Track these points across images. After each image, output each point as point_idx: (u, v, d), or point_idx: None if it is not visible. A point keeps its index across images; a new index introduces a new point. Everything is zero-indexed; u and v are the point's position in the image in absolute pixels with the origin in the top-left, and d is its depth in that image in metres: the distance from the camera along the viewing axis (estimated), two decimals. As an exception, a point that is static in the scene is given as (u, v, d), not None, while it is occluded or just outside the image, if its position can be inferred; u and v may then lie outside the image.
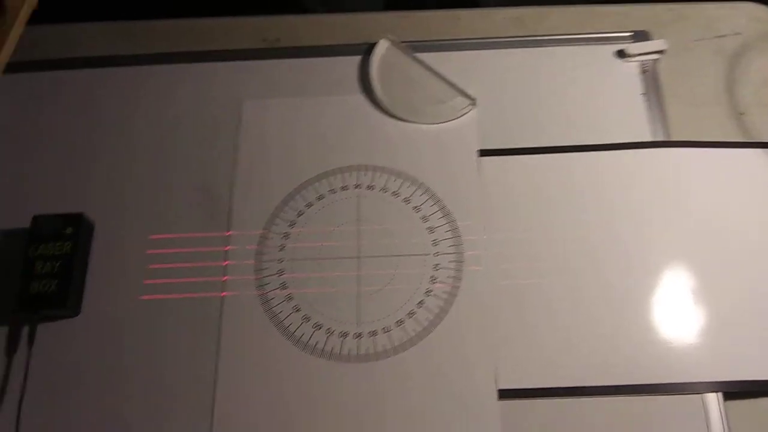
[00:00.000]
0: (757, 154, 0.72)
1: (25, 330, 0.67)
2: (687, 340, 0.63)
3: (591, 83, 0.78)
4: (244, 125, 0.77)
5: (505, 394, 0.62)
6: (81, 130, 0.77)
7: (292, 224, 0.71)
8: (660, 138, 0.74)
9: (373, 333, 0.66)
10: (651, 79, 0.77)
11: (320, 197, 0.73)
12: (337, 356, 0.65)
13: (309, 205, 0.72)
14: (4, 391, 0.64)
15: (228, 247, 0.70)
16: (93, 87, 0.80)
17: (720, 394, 0.61)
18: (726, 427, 0.60)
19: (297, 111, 0.77)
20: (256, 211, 0.72)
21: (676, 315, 0.65)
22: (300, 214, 0.72)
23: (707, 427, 0.60)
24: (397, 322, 0.66)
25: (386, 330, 0.66)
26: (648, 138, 0.74)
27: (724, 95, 0.77)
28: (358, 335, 0.66)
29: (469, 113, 0.76)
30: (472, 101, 0.76)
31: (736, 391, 0.61)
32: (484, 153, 0.74)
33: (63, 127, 0.78)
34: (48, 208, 0.71)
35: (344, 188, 0.73)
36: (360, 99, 0.78)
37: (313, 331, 0.66)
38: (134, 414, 0.63)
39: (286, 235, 0.71)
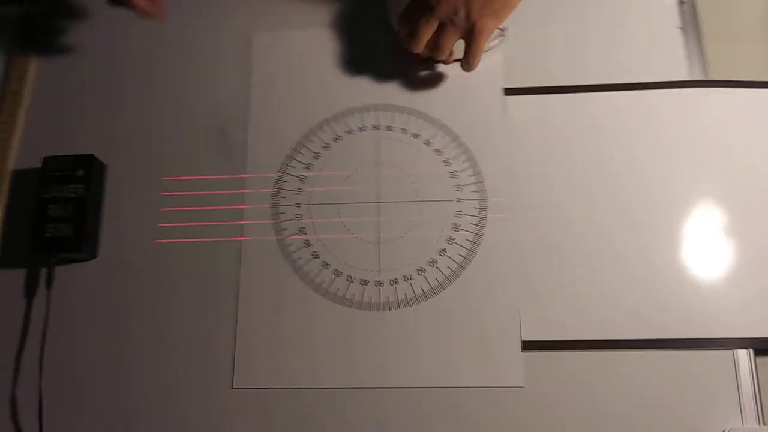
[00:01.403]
0: (803, 95, 0.68)
1: (44, 272, 0.66)
2: (719, 294, 0.61)
3: (624, 15, 0.72)
4: (255, 61, 0.73)
5: (529, 345, 0.61)
6: (91, 72, 0.74)
7: (309, 167, 0.69)
8: (697, 76, 0.69)
9: (395, 281, 0.64)
10: (689, 11, 0.72)
11: (337, 138, 0.70)
12: (358, 304, 0.64)
13: (326, 146, 0.69)
14: (27, 332, 0.64)
15: (244, 190, 0.68)
16: (102, 27, 0.76)
17: (751, 350, 0.59)
18: (756, 382, 0.59)
19: (310, 44, 0.73)
20: (272, 152, 0.69)
21: (709, 269, 0.62)
22: (316, 156, 0.69)
23: (737, 382, 0.59)
24: (418, 270, 0.64)
25: (407, 278, 0.64)
26: (685, 76, 0.69)
27: (767, 30, 0.72)
28: (379, 283, 0.64)
29: (500, 46, 0.71)
30: (502, 31, 0.71)
31: (767, 348, 0.60)
32: (509, 92, 0.70)
33: (72, 68, 0.75)
34: (58, 150, 0.69)
35: (362, 129, 0.70)
36: (379, 32, 0.73)
37: (334, 278, 0.64)
38: (151, 356, 0.63)
39: (303, 179, 0.68)
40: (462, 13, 0.64)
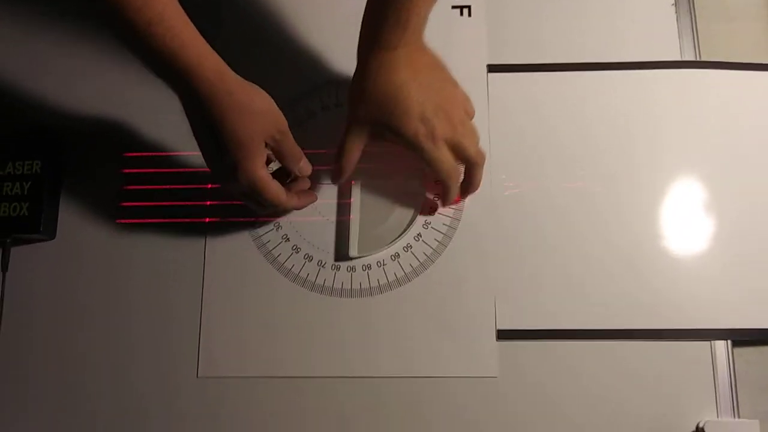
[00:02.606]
0: (795, 78, 0.65)
1: (-2, 253, 0.63)
2: (697, 285, 0.60)
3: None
4: (223, 29, 0.68)
5: (504, 334, 0.59)
6: (47, 41, 0.69)
7: (281, 145, 0.65)
8: (690, 57, 0.66)
9: (368, 267, 0.62)
10: (682, -14, 0.69)
11: (311, 115, 0.66)
12: (329, 290, 0.61)
13: (298, 123, 0.66)
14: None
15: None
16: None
17: (729, 342, 0.58)
18: (732, 373, 0.58)
19: (283, 12, 0.69)
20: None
21: (688, 258, 0.61)
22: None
23: (713, 374, 0.58)
24: (392, 256, 0.62)
25: (381, 264, 0.62)
26: (677, 56, 0.66)
27: (762, 9, 0.69)
28: (352, 269, 0.62)
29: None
30: None
31: (745, 339, 0.59)
32: (493, 68, 0.67)
33: (26, 36, 0.69)
34: (12, 124, 0.65)
35: (338, 105, 0.66)
36: (361, 5, 0.69)
37: (304, 263, 0.62)
38: (112, 343, 0.61)
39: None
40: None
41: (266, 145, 0.55)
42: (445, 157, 0.57)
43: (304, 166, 0.59)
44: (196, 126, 0.54)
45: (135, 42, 0.50)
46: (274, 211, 0.61)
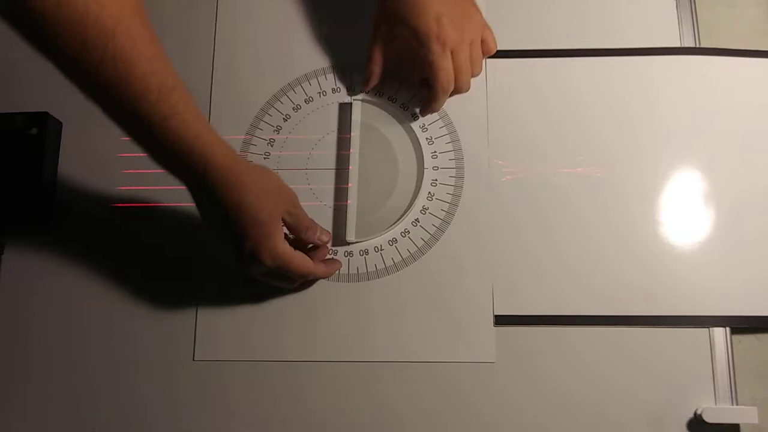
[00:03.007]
0: (796, 65, 0.65)
1: (-6, 236, 0.63)
2: (696, 272, 0.60)
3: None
4: (221, 14, 0.68)
5: (501, 320, 0.59)
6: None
7: (278, 130, 0.65)
8: (689, 43, 0.66)
9: (365, 252, 0.62)
10: (683, -28, 0.69)
11: (309, 100, 0.66)
12: (325, 275, 0.61)
13: (296, 108, 0.66)
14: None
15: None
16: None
17: (727, 329, 0.58)
18: (730, 360, 0.57)
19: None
20: (239, 114, 0.65)
21: (687, 246, 0.60)
22: (286, 118, 0.65)
23: (712, 361, 0.58)
24: (390, 241, 0.62)
25: (378, 249, 0.62)
26: (676, 42, 0.66)
27: (764, -5, 0.69)
28: (349, 254, 0.62)
29: None
30: None
31: (744, 326, 0.58)
32: (491, 54, 0.66)
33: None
34: (9, 108, 0.64)
35: (336, 90, 0.66)
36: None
37: (301, 248, 0.62)
38: (109, 328, 0.61)
39: (271, 142, 0.65)
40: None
41: (282, 222, 0.55)
42: (446, 64, 0.59)
43: (322, 235, 0.58)
44: (209, 217, 0.54)
45: (149, 137, 0.49)
46: (302, 283, 0.60)
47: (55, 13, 0.43)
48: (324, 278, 0.60)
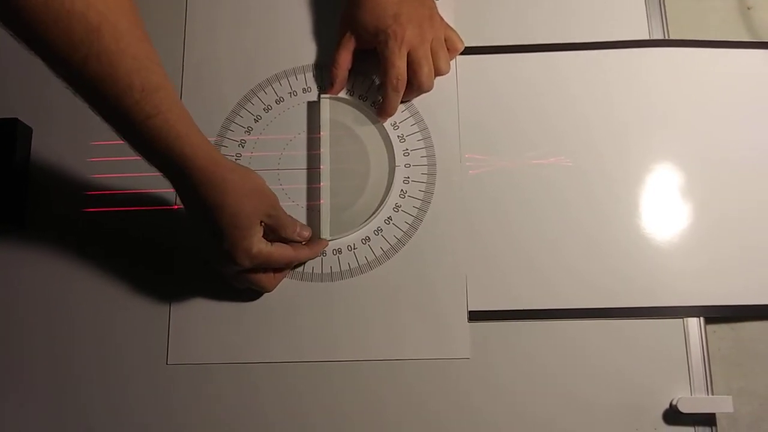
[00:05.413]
0: (765, 55, 0.65)
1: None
2: (670, 262, 0.60)
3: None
4: (190, 14, 0.68)
5: (475, 315, 0.59)
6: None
7: (249, 131, 0.65)
8: (658, 35, 0.66)
9: (338, 251, 0.61)
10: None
11: (279, 100, 0.66)
12: (299, 274, 0.61)
13: (267, 109, 0.65)
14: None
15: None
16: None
17: (702, 319, 0.58)
18: (705, 350, 0.57)
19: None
20: (209, 115, 0.65)
21: (660, 236, 0.60)
22: (257, 119, 0.65)
23: (686, 351, 0.57)
24: (363, 239, 0.61)
25: (351, 248, 0.61)
26: (645, 35, 0.66)
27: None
28: (322, 253, 0.61)
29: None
30: None
31: (717, 316, 0.58)
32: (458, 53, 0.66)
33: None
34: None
35: (306, 90, 0.66)
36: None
37: (274, 248, 0.61)
38: (81, 332, 0.60)
39: (242, 143, 0.65)
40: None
41: (261, 222, 0.55)
42: (398, 62, 0.60)
43: (302, 231, 0.59)
44: (191, 213, 0.54)
45: (132, 135, 0.49)
46: (288, 269, 0.60)
47: (42, 10, 0.43)
48: (312, 259, 0.60)
